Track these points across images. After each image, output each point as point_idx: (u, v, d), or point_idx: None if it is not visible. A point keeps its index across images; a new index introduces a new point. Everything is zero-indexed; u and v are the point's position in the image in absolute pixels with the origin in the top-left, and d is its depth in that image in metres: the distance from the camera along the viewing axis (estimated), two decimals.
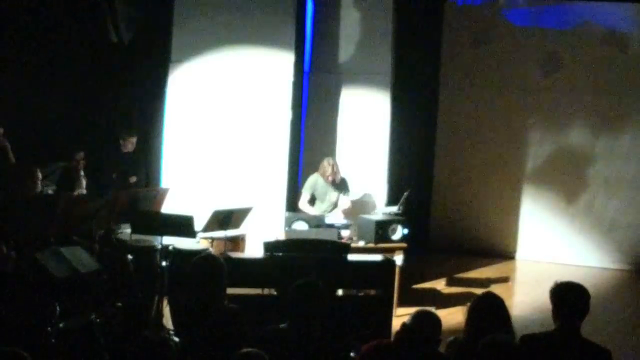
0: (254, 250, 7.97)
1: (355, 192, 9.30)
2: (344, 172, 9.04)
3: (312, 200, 9.00)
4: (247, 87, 9.07)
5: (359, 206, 9.30)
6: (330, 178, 8.85)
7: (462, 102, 11.49)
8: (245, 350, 3.87)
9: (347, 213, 8.86)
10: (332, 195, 8.95)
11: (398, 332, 4.43)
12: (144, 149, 9.51)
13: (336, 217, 8.74)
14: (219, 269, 5.19)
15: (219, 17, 9.02)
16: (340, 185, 9.00)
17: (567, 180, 11.20)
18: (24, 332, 4.30)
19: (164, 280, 7.16)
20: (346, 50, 9.90)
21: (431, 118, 11.53)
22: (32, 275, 5.79)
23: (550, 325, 4.43)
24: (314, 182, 8.95)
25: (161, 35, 9.23)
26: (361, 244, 8.10)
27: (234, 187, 8.88)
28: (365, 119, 9.83)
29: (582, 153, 11.13)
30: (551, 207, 11.26)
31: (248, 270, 6.89)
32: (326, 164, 8.87)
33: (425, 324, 4.34)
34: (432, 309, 4.75)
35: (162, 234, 7.20)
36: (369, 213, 8.85)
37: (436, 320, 4.39)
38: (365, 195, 9.63)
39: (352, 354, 4.73)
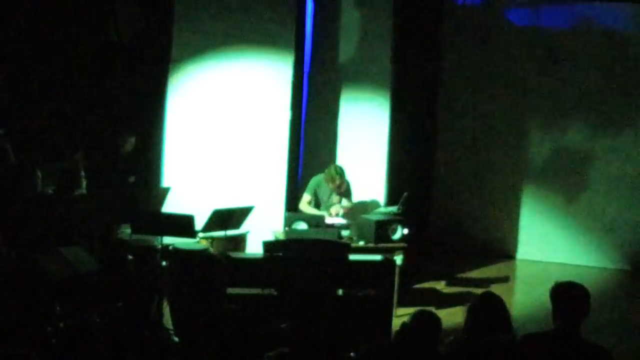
0: (254, 250, 7.98)
1: (357, 194, 9.28)
2: (346, 174, 8.99)
3: (314, 202, 8.97)
4: (247, 87, 9.06)
5: (360, 206, 9.30)
6: (335, 187, 8.81)
7: (462, 101, 11.48)
8: (280, 350, 3.86)
9: (348, 214, 8.86)
10: (335, 198, 8.94)
11: (398, 332, 4.43)
12: (143, 148, 9.52)
13: (334, 213, 8.73)
14: (218, 268, 5.19)
15: (219, 17, 9.02)
16: (345, 191, 8.96)
17: (567, 180, 11.19)
18: (24, 332, 4.31)
19: (164, 280, 7.16)
20: (346, 50, 9.89)
21: (431, 118, 11.53)
22: (32, 275, 5.80)
23: (550, 325, 4.43)
24: (316, 184, 8.93)
25: (161, 35, 9.23)
26: (361, 244, 8.10)
27: (234, 187, 8.87)
28: (365, 119, 9.82)
29: (582, 153, 11.12)
30: (551, 207, 11.25)
31: (248, 270, 6.89)
32: (334, 172, 8.77)
33: (425, 324, 4.35)
34: (432, 309, 4.75)
35: (162, 234, 7.20)
36: (369, 213, 8.85)
37: (436, 320, 4.40)
38: (367, 196, 9.62)
39: (352, 354, 4.73)
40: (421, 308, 4.55)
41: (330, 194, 8.92)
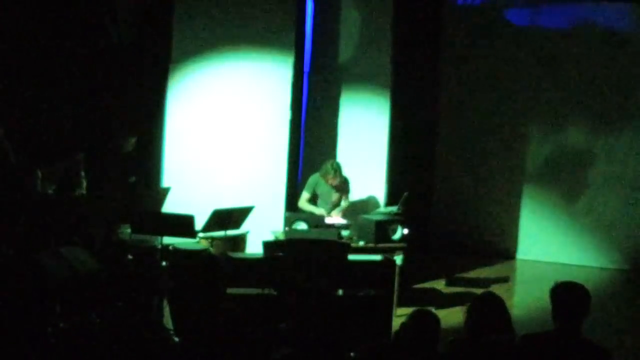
0: (254, 250, 7.98)
1: (357, 193, 9.29)
2: (345, 172, 9.01)
3: (313, 200, 9.00)
4: (247, 87, 9.07)
5: (359, 206, 9.30)
6: (331, 182, 8.83)
7: (462, 102, 11.49)
8: (284, 350, 3.86)
9: (347, 213, 8.86)
10: (334, 196, 8.95)
11: (397, 332, 4.43)
12: (143, 149, 9.52)
13: (335, 216, 8.75)
14: (218, 268, 5.19)
15: (219, 17, 9.02)
16: (342, 187, 8.98)
17: (567, 180, 11.20)
18: (24, 332, 4.30)
19: (164, 280, 7.16)
20: (346, 50, 9.90)
21: (431, 118, 11.53)
22: (32, 275, 5.80)
23: (550, 325, 4.43)
24: (314, 182, 8.94)
25: (161, 36, 9.24)
26: (361, 244, 8.10)
27: (234, 187, 8.87)
28: (365, 118, 9.83)
29: (582, 153, 11.13)
30: (551, 207, 11.25)
31: (248, 270, 6.89)
32: (329, 167, 8.80)
33: (423, 323, 4.34)
34: (432, 309, 4.75)
35: (162, 234, 7.20)
36: (369, 213, 8.85)
37: (434, 319, 4.39)
38: (366, 195, 9.63)
39: (352, 354, 4.73)
40: (419, 308, 4.54)
41: (329, 191, 8.93)
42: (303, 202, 8.94)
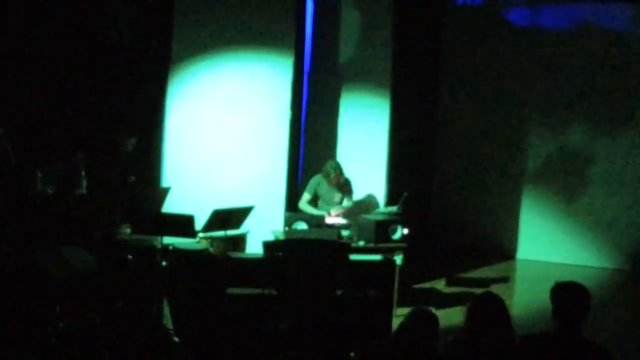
0: (254, 250, 7.98)
1: (357, 193, 9.30)
2: (346, 173, 9.02)
3: (314, 201, 9.00)
4: (247, 87, 9.06)
5: (359, 206, 9.30)
6: (333, 183, 8.84)
7: (462, 102, 11.49)
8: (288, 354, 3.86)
9: (347, 213, 8.86)
10: (336, 196, 8.95)
11: (395, 332, 4.43)
12: (143, 148, 9.52)
13: (335, 216, 8.74)
14: (218, 268, 5.19)
15: (219, 17, 9.02)
16: (345, 187, 8.99)
17: (567, 180, 11.20)
18: (24, 332, 4.31)
19: (164, 280, 7.16)
20: (346, 50, 9.90)
21: (431, 118, 11.53)
22: (32, 275, 5.80)
23: (550, 325, 4.43)
24: (316, 183, 8.94)
25: (161, 36, 9.24)
26: (361, 244, 8.10)
27: (234, 187, 8.88)
28: (365, 118, 9.83)
29: (582, 153, 11.13)
30: (551, 207, 11.26)
31: (248, 270, 6.89)
32: (329, 168, 8.82)
33: (421, 322, 4.34)
34: (432, 309, 4.75)
35: (162, 234, 7.20)
36: (369, 213, 8.85)
37: (432, 318, 4.39)
38: (366, 195, 9.64)
39: (352, 354, 4.73)
40: (417, 307, 4.54)
41: (331, 192, 8.92)
42: (303, 204, 8.95)
